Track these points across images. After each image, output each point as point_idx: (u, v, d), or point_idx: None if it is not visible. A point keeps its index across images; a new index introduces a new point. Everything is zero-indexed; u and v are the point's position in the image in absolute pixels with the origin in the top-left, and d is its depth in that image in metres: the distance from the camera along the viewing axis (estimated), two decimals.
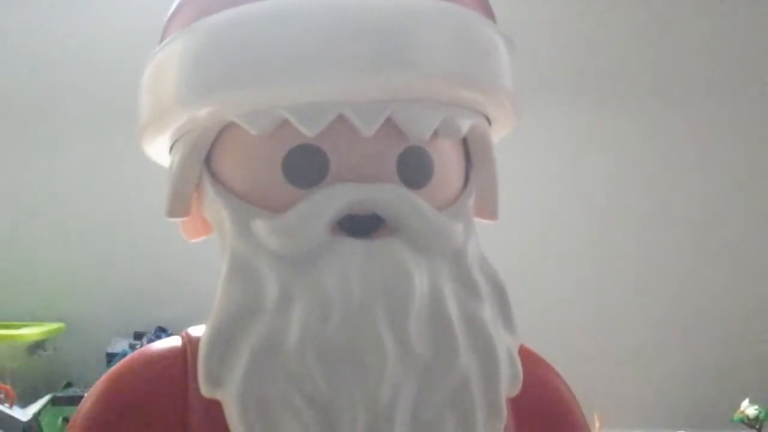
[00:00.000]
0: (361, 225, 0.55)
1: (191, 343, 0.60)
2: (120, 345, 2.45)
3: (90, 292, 2.66)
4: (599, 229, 2.63)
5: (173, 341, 0.63)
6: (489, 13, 0.64)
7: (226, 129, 0.59)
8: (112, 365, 0.64)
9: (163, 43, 0.61)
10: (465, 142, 0.63)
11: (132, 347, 2.42)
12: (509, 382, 0.55)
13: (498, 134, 0.65)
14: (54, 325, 2.56)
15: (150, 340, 2.15)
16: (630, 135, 2.63)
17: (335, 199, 0.55)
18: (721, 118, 2.63)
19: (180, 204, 0.61)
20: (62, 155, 2.67)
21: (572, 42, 2.64)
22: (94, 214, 2.66)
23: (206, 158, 0.61)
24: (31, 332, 2.47)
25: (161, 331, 2.45)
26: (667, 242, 2.63)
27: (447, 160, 0.60)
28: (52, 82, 2.66)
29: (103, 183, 2.65)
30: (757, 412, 2.28)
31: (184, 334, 0.62)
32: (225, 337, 0.53)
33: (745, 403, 2.32)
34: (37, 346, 2.53)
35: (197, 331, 0.60)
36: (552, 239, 2.62)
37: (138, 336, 2.54)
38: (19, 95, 2.67)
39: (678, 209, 2.63)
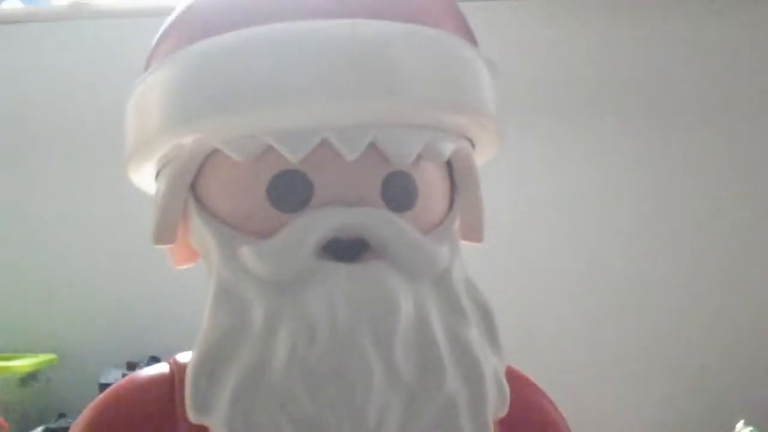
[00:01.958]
0: (347, 249, 0.55)
1: (179, 370, 0.60)
2: (113, 375, 2.42)
3: (82, 323, 2.65)
4: (589, 249, 2.63)
5: (161, 368, 0.63)
6: (470, 37, 0.64)
7: (211, 155, 0.59)
8: None
9: (148, 71, 0.62)
10: (449, 165, 0.63)
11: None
12: (496, 403, 0.55)
13: (482, 157, 0.66)
14: (46, 356, 2.54)
15: None
16: (620, 155, 2.64)
17: (320, 223, 0.55)
18: (713, 138, 2.63)
19: (166, 231, 0.61)
20: (52, 186, 2.67)
21: (561, 62, 2.66)
22: (85, 245, 2.65)
23: (192, 185, 0.61)
24: (24, 363, 2.45)
25: (154, 361, 2.43)
26: (658, 265, 2.62)
27: (431, 184, 0.61)
28: (38, 117, 2.66)
29: (94, 213, 2.64)
30: None
31: (171, 360, 0.62)
32: (212, 363, 0.53)
33: (740, 424, 2.31)
34: (29, 378, 2.52)
35: (185, 357, 0.60)
36: (539, 260, 2.62)
37: (131, 366, 2.52)
38: (5, 130, 2.67)
39: (668, 231, 2.63)
